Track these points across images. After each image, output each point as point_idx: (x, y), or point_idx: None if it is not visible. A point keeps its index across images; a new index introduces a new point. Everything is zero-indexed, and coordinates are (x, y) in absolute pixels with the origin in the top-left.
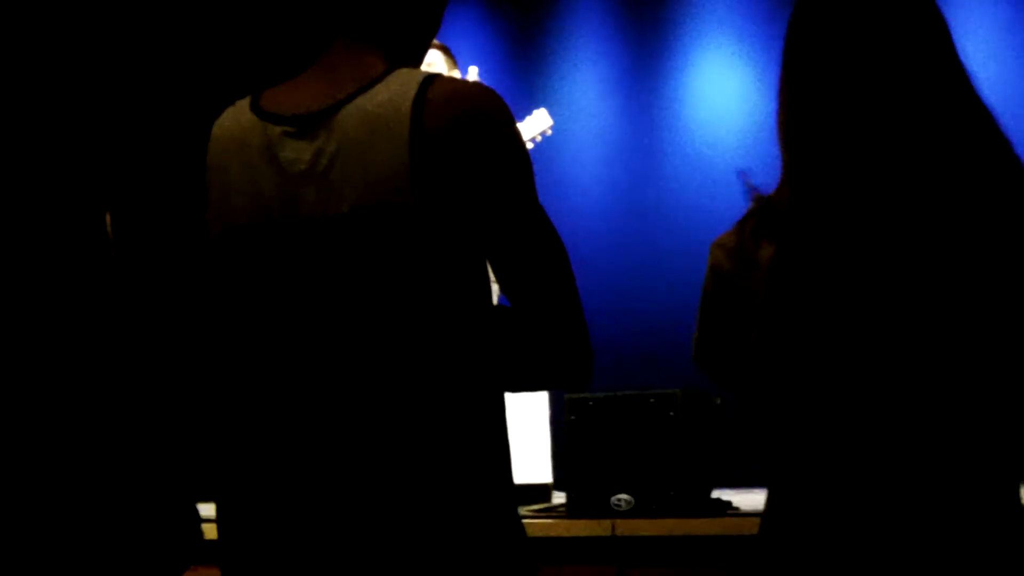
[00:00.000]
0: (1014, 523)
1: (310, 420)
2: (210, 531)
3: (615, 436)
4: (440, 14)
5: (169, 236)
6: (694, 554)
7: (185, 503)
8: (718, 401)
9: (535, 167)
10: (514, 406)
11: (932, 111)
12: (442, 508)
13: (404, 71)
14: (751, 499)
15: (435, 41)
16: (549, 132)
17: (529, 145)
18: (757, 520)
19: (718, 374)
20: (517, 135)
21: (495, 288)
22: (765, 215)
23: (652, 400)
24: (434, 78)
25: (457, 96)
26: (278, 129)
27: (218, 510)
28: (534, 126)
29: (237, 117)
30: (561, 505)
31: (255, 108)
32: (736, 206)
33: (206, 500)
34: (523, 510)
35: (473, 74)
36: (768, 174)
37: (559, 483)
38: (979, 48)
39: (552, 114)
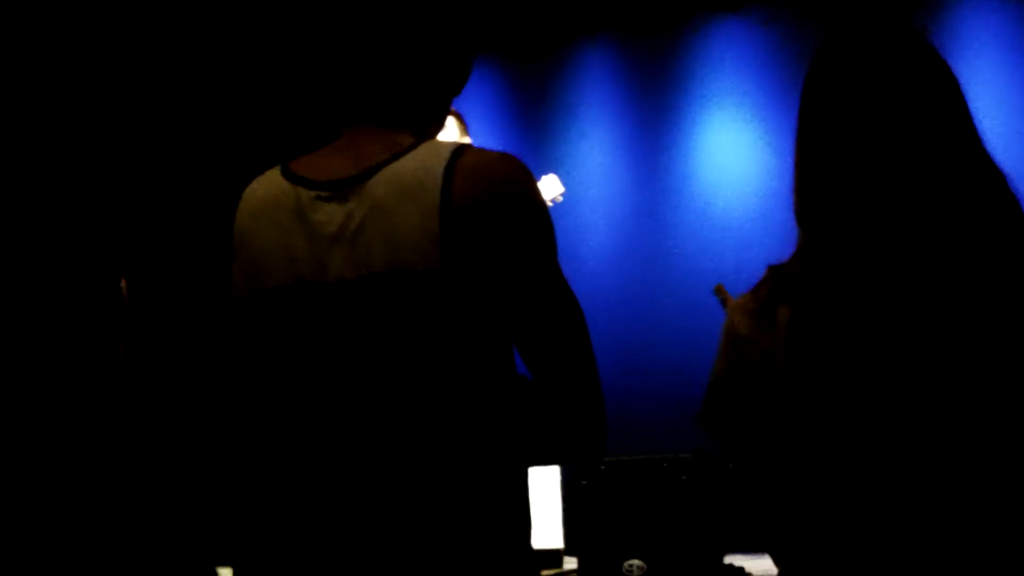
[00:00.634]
0: None
1: (336, 485)
2: None
3: (627, 501)
4: (459, 89)
5: (184, 301)
6: None
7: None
8: (730, 465)
9: None
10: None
11: (945, 178)
12: None
13: (434, 142)
14: (763, 565)
15: None
16: (560, 199)
17: None
18: None
19: (724, 434)
20: (542, 204)
21: None
22: (780, 279)
23: (664, 465)
24: (464, 148)
25: (487, 166)
26: (310, 193)
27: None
28: (545, 192)
29: (268, 183)
30: (573, 571)
31: (286, 174)
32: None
33: (226, 564)
34: None
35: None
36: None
37: (570, 548)
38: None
39: (561, 177)
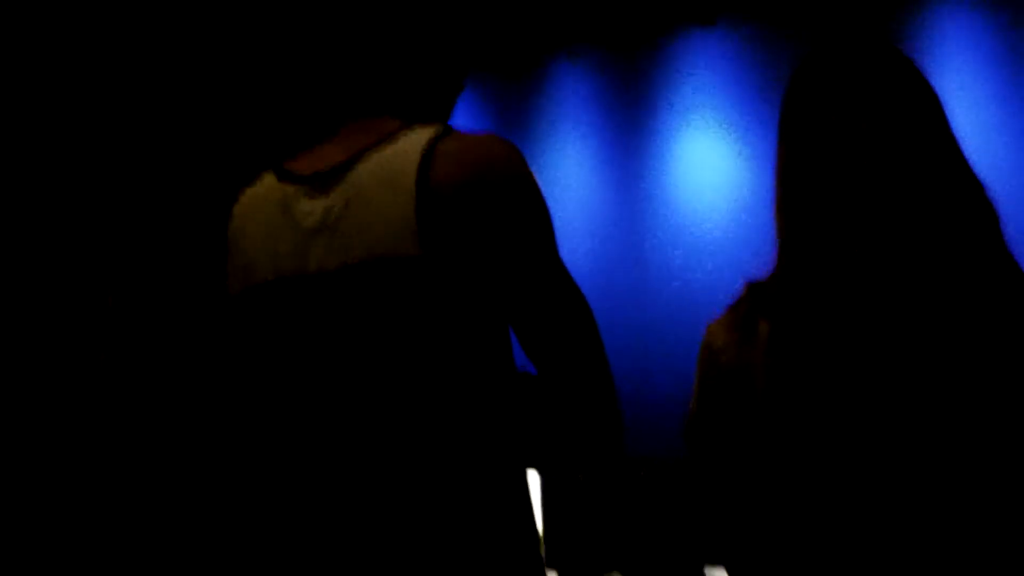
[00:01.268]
0: None
1: (324, 484)
2: None
3: (605, 511)
4: (460, 82)
5: (171, 314)
6: None
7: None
8: (642, 473)
9: None
10: None
11: (926, 192)
12: None
13: (420, 128)
14: None
15: None
16: None
17: None
18: None
19: (707, 454)
20: (532, 188)
21: None
22: (759, 295)
23: (642, 474)
24: (449, 132)
25: (469, 148)
26: (296, 187)
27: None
28: None
29: (261, 182)
30: None
31: (277, 171)
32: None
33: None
34: None
35: None
36: (750, 247)
37: (550, 561)
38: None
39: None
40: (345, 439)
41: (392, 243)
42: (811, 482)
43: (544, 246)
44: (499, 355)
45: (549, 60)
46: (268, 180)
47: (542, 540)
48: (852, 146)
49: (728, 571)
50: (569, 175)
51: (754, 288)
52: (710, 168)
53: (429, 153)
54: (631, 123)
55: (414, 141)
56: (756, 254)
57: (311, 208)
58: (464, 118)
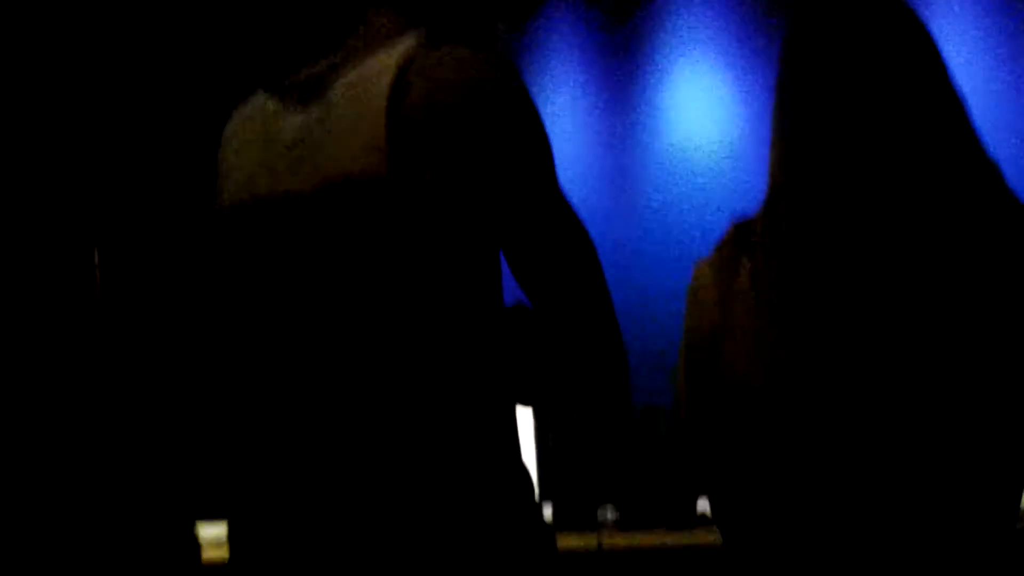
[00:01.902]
0: None
1: (296, 423)
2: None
3: (601, 449)
4: None
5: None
6: (680, 566)
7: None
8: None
9: None
10: None
11: (925, 136)
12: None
13: (411, 37)
14: None
15: None
16: None
17: None
18: None
19: (690, 395)
20: (525, 110)
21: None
22: (744, 234)
23: (636, 416)
24: (436, 44)
25: (452, 66)
26: (276, 101)
27: (228, 517)
28: None
29: (253, 97)
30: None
31: (269, 84)
32: (712, 223)
33: (209, 518)
34: None
35: None
36: (743, 191)
37: (544, 493)
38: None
39: None
40: (312, 380)
41: (361, 164)
42: (793, 421)
43: (540, 171)
44: (483, 288)
45: (537, 6)
46: (259, 94)
47: (535, 474)
48: (851, 91)
49: (712, 506)
50: (561, 121)
51: (740, 227)
52: (703, 110)
53: (407, 65)
54: (622, 65)
55: (395, 52)
56: (747, 194)
57: (288, 124)
58: None
